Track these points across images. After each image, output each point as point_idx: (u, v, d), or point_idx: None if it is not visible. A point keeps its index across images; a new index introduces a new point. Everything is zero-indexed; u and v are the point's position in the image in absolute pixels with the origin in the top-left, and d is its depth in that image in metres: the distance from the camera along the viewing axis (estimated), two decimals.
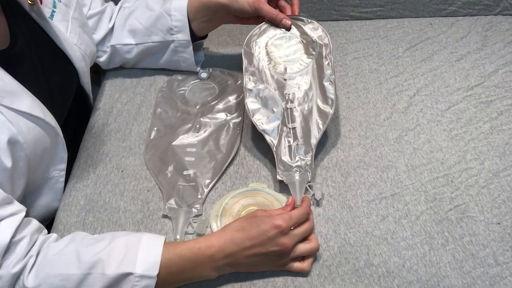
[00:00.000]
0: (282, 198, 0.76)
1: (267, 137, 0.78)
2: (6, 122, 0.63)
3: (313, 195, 0.75)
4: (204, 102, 0.91)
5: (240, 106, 0.89)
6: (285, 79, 0.82)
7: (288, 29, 0.84)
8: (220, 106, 0.90)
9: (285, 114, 0.79)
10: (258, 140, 0.85)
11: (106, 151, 0.85)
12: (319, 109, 0.79)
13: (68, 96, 0.82)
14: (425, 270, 0.67)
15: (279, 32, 0.86)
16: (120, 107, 0.93)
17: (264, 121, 0.79)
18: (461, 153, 0.82)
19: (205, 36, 0.96)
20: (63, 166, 0.77)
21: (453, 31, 1.06)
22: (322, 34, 0.84)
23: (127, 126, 0.89)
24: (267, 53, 0.84)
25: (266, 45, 0.85)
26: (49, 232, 0.74)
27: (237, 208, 0.75)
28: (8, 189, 0.63)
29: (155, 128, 0.87)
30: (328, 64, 0.81)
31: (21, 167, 0.66)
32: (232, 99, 0.91)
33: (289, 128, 0.78)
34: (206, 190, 0.77)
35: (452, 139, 0.84)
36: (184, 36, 0.89)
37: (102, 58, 0.94)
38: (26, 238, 0.60)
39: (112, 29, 0.93)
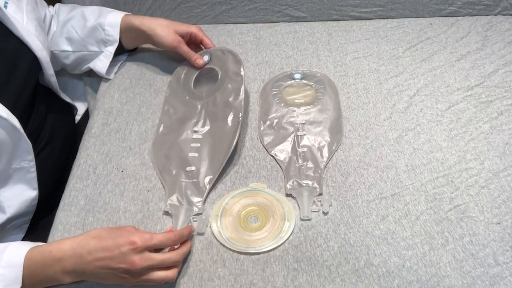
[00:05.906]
0: (282, 198, 0.76)
1: (277, 158, 0.81)
2: None
3: (321, 207, 0.75)
4: (209, 93, 0.91)
5: (240, 105, 0.89)
6: (296, 111, 0.88)
7: (200, 67, 0.94)
8: (222, 102, 0.90)
9: (296, 140, 0.83)
10: (258, 140, 0.85)
11: (106, 151, 0.85)
12: (327, 137, 0.84)
13: (26, 85, 0.80)
14: (425, 270, 0.67)
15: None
16: (120, 107, 0.93)
17: (275, 144, 0.84)
18: (461, 153, 0.82)
19: (135, 48, 1.03)
20: (31, 156, 0.77)
21: (453, 31, 1.06)
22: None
23: (127, 126, 0.89)
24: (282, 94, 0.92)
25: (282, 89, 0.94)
26: (48, 232, 0.74)
27: (237, 208, 0.75)
28: None
29: (162, 124, 0.88)
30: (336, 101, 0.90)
31: None
32: (232, 98, 0.91)
33: (299, 152, 0.81)
34: (208, 187, 0.77)
35: (452, 139, 0.84)
36: (112, 49, 0.96)
37: None
38: None
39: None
